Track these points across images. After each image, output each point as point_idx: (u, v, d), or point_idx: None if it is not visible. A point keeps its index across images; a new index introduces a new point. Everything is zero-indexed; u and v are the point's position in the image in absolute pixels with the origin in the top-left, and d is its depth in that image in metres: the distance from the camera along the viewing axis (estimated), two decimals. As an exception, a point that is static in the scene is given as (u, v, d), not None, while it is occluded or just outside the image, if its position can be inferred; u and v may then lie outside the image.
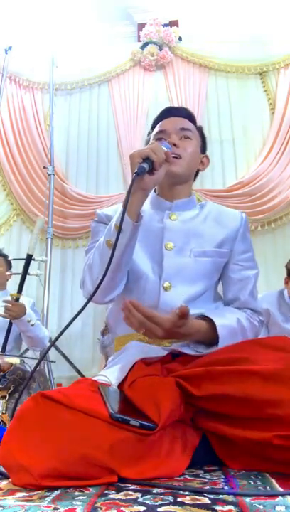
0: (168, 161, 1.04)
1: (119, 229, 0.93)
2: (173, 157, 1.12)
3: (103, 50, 3.82)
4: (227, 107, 3.70)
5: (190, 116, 1.26)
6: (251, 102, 3.68)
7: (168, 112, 1.26)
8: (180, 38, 3.78)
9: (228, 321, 1.02)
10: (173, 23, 3.84)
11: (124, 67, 3.80)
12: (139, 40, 3.81)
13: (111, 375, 0.93)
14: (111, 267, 0.95)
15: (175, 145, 1.14)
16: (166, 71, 3.80)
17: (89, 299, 0.92)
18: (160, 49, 3.74)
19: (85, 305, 0.89)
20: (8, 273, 2.33)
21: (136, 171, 0.95)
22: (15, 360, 1.90)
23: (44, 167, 3.45)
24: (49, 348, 0.92)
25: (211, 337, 0.99)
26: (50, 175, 3.32)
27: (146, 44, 3.77)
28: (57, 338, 0.95)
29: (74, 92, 3.89)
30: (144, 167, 0.95)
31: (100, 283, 0.91)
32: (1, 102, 3.48)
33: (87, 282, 1.08)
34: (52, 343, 0.95)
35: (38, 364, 0.87)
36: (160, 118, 1.26)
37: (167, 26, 3.79)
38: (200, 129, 1.27)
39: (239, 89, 3.73)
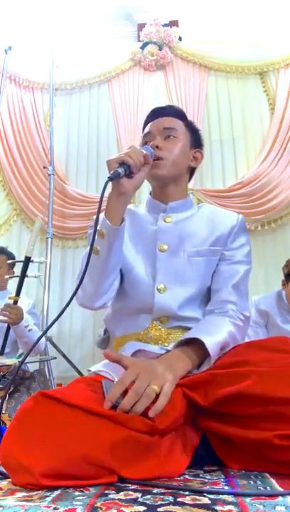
0: (148, 163, 1.02)
1: (94, 235, 0.93)
2: (156, 160, 1.12)
3: (103, 50, 3.81)
4: (227, 107, 3.69)
5: (176, 113, 1.23)
6: (251, 102, 3.67)
7: (154, 113, 1.25)
8: (180, 38, 3.77)
9: (215, 337, 0.95)
10: (173, 23, 3.83)
11: (124, 67, 3.79)
12: (139, 40, 3.81)
13: (114, 373, 0.94)
14: (97, 272, 0.99)
15: (158, 147, 1.14)
16: (166, 71, 3.79)
17: (70, 301, 0.90)
18: (160, 49, 3.74)
19: (68, 304, 0.89)
20: (7, 276, 2.30)
21: (109, 175, 0.94)
22: (13, 361, 1.89)
23: (44, 167, 3.44)
24: (40, 337, 0.93)
25: (202, 354, 0.94)
26: (50, 175, 3.31)
27: (146, 44, 3.76)
28: (47, 329, 0.95)
29: (74, 92, 3.89)
30: (118, 171, 0.94)
31: (76, 291, 0.93)
32: (1, 102, 3.48)
33: (78, 290, 1.08)
34: (44, 333, 0.96)
35: (27, 354, 0.88)
36: (148, 120, 1.25)
37: (167, 26, 3.78)
38: (189, 125, 1.24)
39: (239, 89, 3.72)
